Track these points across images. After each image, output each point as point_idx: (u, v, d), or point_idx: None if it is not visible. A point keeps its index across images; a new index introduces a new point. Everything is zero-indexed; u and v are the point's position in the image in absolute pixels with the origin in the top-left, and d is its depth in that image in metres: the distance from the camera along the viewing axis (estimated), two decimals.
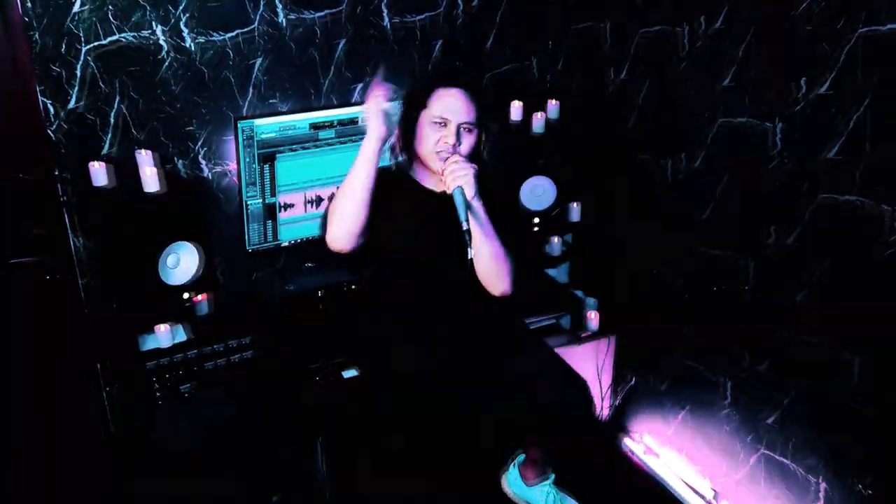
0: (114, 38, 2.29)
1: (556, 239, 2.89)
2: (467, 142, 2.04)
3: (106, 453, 2.53)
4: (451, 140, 2.01)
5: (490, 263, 2.02)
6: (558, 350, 2.41)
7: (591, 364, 2.78)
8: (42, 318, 2.46)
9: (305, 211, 2.60)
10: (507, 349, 2.18)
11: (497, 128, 2.68)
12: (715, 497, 2.60)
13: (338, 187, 2.03)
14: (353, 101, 2.67)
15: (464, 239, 1.88)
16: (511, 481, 2.50)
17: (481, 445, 2.53)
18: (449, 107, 2.02)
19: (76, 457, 2.53)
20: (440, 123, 2.02)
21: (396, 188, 2.12)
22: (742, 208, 2.39)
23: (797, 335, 2.29)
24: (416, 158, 2.12)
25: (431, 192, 2.13)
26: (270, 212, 2.53)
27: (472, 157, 2.05)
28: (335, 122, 2.52)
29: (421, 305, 2.17)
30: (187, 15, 2.36)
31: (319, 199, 2.60)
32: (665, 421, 2.85)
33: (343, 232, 1.99)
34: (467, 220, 1.89)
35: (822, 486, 2.33)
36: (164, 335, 2.43)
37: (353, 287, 2.51)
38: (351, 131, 2.55)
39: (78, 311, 2.50)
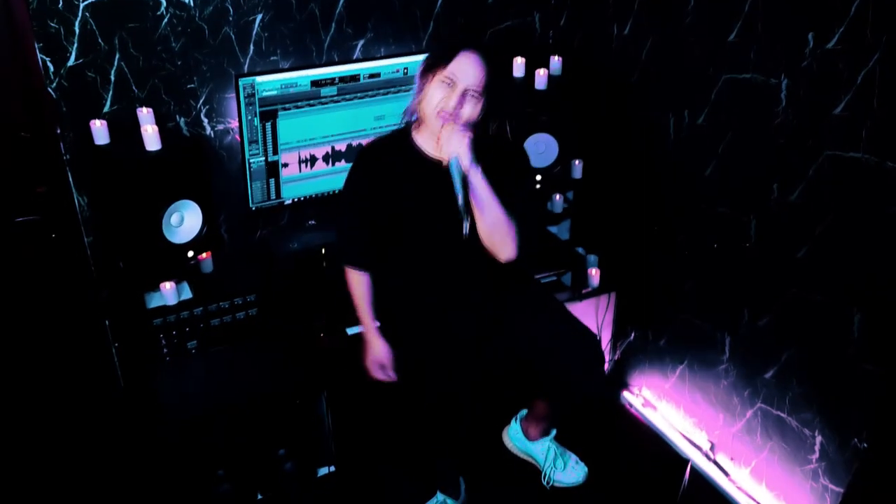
0: None
1: (557, 196, 2.90)
2: (469, 108, 1.99)
3: (116, 409, 2.59)
4: (453, 103, 1.97)
5: (492, 232, 2.03)
6: None
7: (592, 320, 2.82)
8: (47, 276, 2.50)
9: (300, 171, 2.61)
10: (519, 308, 2.21)
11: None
12: (711, 449, 2.67)
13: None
14: (354, 57, 2.66)
15: (460, 210, 1.90)
16: (513, 436, 2.57)
17: (486, 400, 2.59)
18: (462, 69, 1.97)
19: (86, 413, 2.59)
20: (447, 83, 1.98)
21: (398, 156, 2.11)
22: (746, 165, 2.40)
23: (798, 291, 2.32)
24: (422, 121, 2.11)
25: (433, 161, 2.09)
26: (273, 170, 2.55)
27: (478, 127, 2.04)
28: (336, 80, 2.51)
29: (429, 272, 2.21)
30: None
31: (314, 159, 2.62)
32: (664, 375, 2.91)
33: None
34: (464, 191, 1.89)
35: (819, 439, 2.39)
36: (170, 293, 2.46)
37: None
38: (352, 88, 2.55)
39: (83, 270, 2.53)
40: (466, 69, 1.97)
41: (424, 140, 2.12)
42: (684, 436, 2.74)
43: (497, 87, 2.05)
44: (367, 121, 2.63)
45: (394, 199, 2.10)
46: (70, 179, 2.43)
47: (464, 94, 1.97)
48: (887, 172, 1.99)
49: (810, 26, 2.10)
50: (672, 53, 2.57)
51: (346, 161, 2.67)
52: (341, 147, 2.65)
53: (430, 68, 2.01)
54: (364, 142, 2.59)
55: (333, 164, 2.65)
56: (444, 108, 1.98)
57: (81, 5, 2.26)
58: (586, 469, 2.53)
